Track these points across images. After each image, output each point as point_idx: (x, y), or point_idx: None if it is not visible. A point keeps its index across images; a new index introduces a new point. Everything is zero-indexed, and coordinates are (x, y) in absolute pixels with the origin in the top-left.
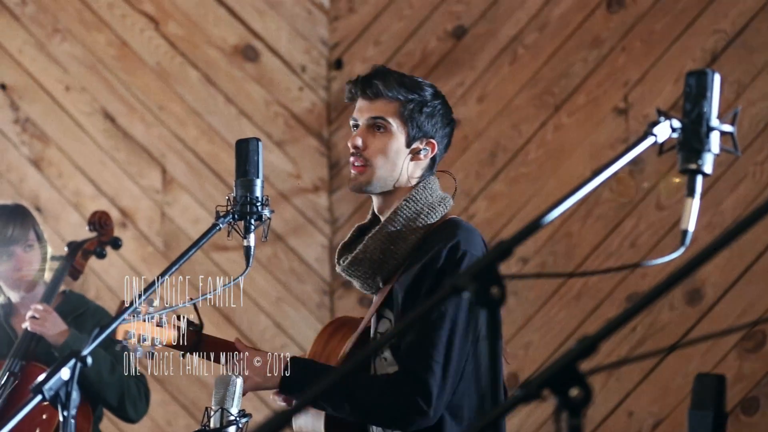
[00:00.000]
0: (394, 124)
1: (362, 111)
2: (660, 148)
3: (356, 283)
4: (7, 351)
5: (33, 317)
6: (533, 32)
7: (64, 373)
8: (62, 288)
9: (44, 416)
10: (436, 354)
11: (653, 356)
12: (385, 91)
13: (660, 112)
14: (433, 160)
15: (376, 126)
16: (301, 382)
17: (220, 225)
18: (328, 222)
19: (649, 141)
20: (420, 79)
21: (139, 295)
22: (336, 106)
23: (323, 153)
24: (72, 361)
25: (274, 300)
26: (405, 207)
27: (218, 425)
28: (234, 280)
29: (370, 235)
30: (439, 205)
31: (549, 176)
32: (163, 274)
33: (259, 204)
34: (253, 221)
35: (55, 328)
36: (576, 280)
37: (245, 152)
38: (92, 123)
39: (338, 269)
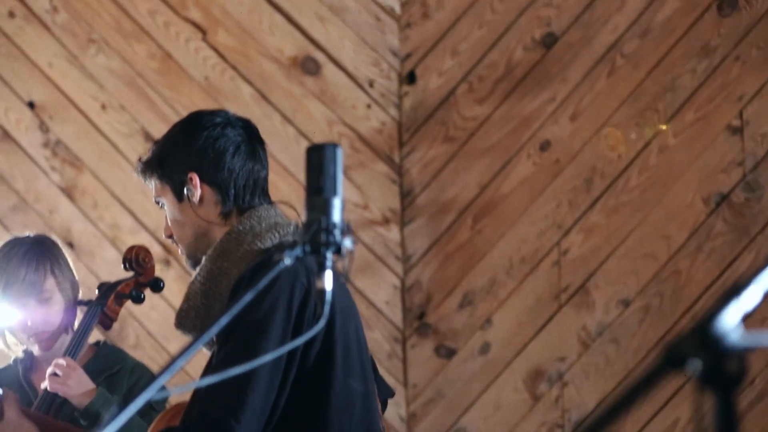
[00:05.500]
0: (162, 192)
1: None
2: None
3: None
4: None
5: (54, 374)
6: (634, 39)
7: None
8: (95, 339)
9: None
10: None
11: None
12: (144, 172)
13: None
14: (219, 187)
15: (160, 205)
16: None
17: (287, 260)
18: (400, 259)
19: None
20: (177, 125)
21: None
22: (409, 126)
23: (394, 180)
24: None
25: None
26: (224, 240)
27: None
28: (306, 336)
29: (191, 281)
30: (268, 232)
31: (653, 205)
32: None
33: (338, 231)
34: (330, 255)
35: (79, 387)
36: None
37: (319, 162)
38: (132, 146)
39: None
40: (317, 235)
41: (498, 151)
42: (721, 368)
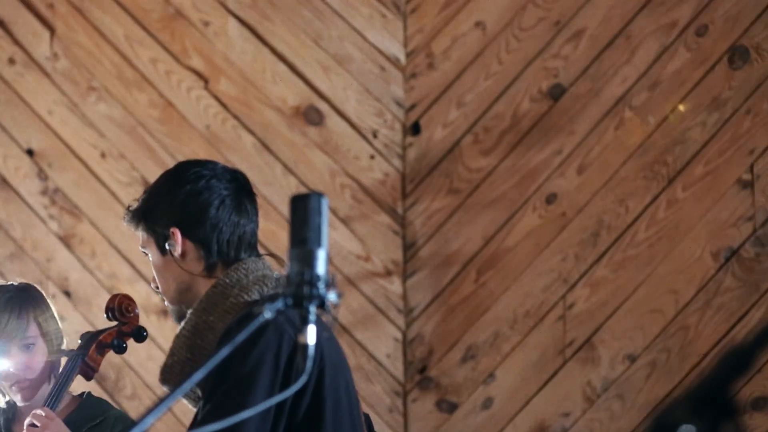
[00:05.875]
0: (147, 243)
1: None
2: None
3: (183, 400)
4: None
5: (32, 425)
6: (643, 92)
7: None
8: (79, 390)
9: None
10: None
11: None
12: (130, 222)
13: None
14: (201, 243)
15: (147, 255)
16: None
17: (267, 313)
18: (402, 312)
19: None
20: (162, 176)
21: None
22: (412, 177)
23: (397, 231)
24: None
25: None
26: (209, 293)
27: None
28: (287, 392)
29: (176, 335)
30: (255, 285)
31: (661, 260)
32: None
33: (322, 284)
34: (313, 309)
35: None
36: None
37: (303, 212)
38: (131, 194)
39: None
40: (300, 288)
41: (503, 204)
42: None
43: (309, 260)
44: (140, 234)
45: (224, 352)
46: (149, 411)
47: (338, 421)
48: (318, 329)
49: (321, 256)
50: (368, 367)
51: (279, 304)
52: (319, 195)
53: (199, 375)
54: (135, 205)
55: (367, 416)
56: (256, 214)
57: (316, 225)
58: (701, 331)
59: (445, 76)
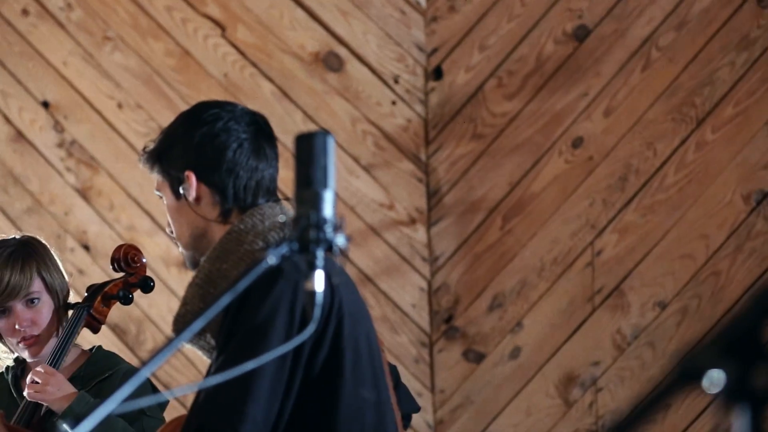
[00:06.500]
0: (162, 186)
1: None
2: None
3: (197, 350)
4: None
5: (33, 382)
6: (670, 32)
7: None
8: (88, 346)
9: None
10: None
11: None
12: (146, 163)
13: None
14: (217, 187)
15: (161, 198)
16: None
17: (269, 260)
18: (427, 260)
19: None
20: (179, 117)
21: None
22: (435, 122)
23: (420, 179)
24: None
25: None
26: (223, 240)
27: None
28: (293, 342)
29: (189, 283)
30: (272, 231)
31: (691, 204)
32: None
33: (329, 227)
34: (320, 254)
35: (58, 392)
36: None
37: (308, 152)
38: None
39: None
40: (306, 232)
41: (528, 149)
42: (748, 380)
43: (315, 202)
44: (155, 176)
45: (225, 299)
46: (150, 358)
47: (358, 373)
48: (329, 274)
49: (328, 197)
50: (393, 318)
51: (284, 249)
52: (325, 133)
53: (200, 323)
54: (151, 146)
55: (394, 367)
56: (276, 159)
57: (322, 165)
58: (733, 276)
59: (466, 19)
